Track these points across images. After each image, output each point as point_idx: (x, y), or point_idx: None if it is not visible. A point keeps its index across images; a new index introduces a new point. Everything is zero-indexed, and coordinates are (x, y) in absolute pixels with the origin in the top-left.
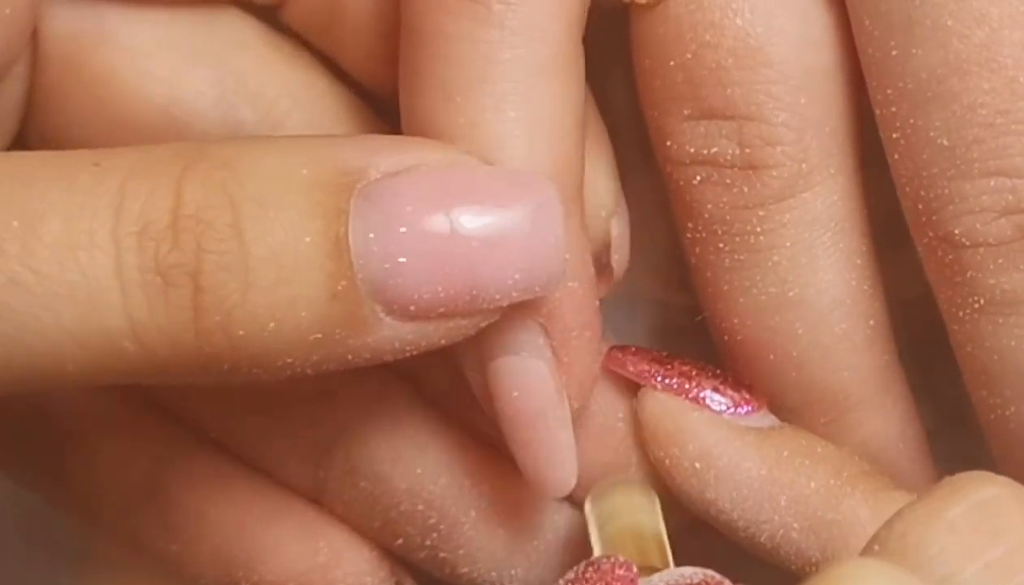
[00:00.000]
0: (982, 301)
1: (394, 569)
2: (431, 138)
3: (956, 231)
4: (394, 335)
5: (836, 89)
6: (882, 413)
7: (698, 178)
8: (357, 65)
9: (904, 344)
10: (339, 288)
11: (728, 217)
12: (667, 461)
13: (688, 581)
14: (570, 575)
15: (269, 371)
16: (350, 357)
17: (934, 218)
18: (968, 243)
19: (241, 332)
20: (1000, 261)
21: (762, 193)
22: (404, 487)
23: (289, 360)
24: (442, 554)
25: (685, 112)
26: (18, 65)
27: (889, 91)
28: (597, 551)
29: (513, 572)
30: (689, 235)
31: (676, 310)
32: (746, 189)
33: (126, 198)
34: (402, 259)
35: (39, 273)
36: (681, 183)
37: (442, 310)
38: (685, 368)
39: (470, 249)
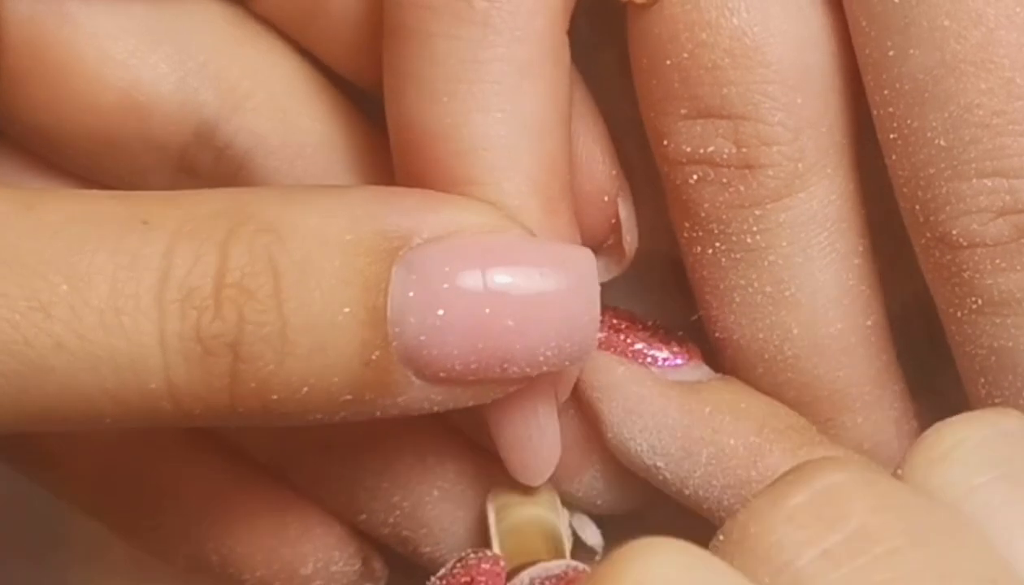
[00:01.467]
0: (980, 301)
1: (362, 546)
2: (419, 138)
3: (953, 231)
4: (423, 396)
5: (832, 89)
6: (878, 412)
7: (694, 177)
8: (333, 55)
9: (903, 343)
10: (373, 357)
11: (724, 216)
12: (596, 415)
13: (552, 573)
14: (442, 571)
15: (296, 424)
16: (378, 413)
17: (931, 218)
18: (965, 243)
19: (275, 397)
20: (998, 261)
21: (758, 192)
22: (370, 464)
23: (319, 416)
24: (405, 532)
25: (682, 111)
26: None
27: (886, 91)
28: (495, 543)
29: None
30: (685, 234)
31: (671, 308)
32: (742, 188)
33: (172, 264)
34: (437, 330)
35: (84, 338)
36: (678, 182)
37: (472, 379)
38: (616, 320)
39: (505, 327)
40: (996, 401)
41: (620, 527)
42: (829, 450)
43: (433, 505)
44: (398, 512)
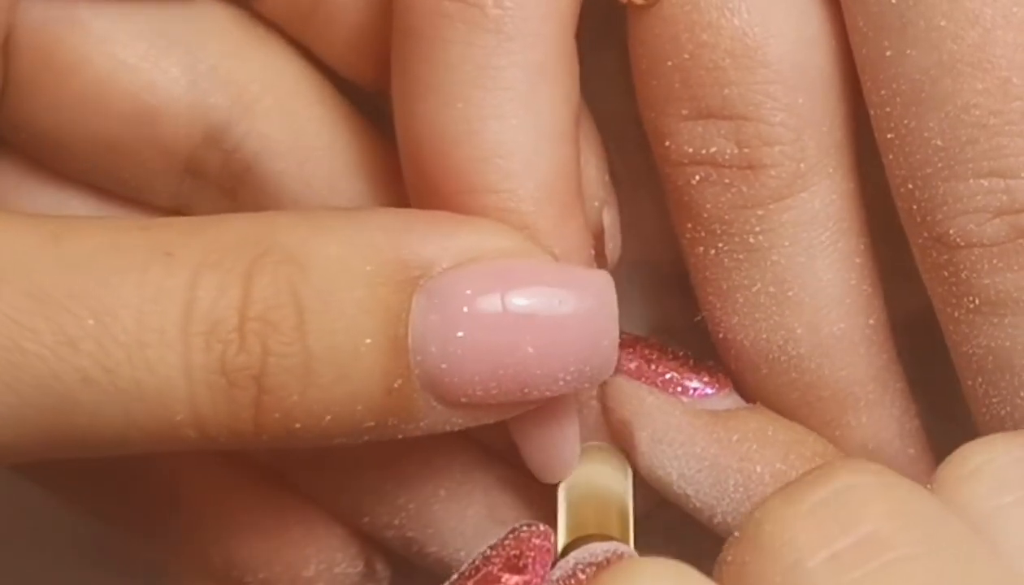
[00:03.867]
0: (977, 301)
1: (365, 547)
2: (433, 145)
3: (951, 231)
4: (445, 419)
5: (834, 88)
6: (881, 411)
7: (696, 178)
8: (338, 59)
9: (903, 342)
10: (395, 385)
11: (726, 217)
12: (627, 443)
13: (596, 559)
14: (492, 540)
15: (320, 445)
16: (400, 435)
17: (928, 218)
18: (963, 243)
19: (298, 425)
20: (995, 261)
21: (760, 193)
22: (373, 466)
23: (342, 440)
24: (411, 533)
25: (683, 112)
26: None
27: (883, 92)
28: (562, 513)
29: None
30: (688, 235)
31: (674, 310)
32: (744, 189)
33: (196, 296)
34: (458, 358)
35: (112, 372)
36: (679, 183)
37: (493, 403)
38: (647, 351)
39: (526, 353)
40: (993, 401)
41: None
42: None
43: (440, 505)
44: (404, 513)
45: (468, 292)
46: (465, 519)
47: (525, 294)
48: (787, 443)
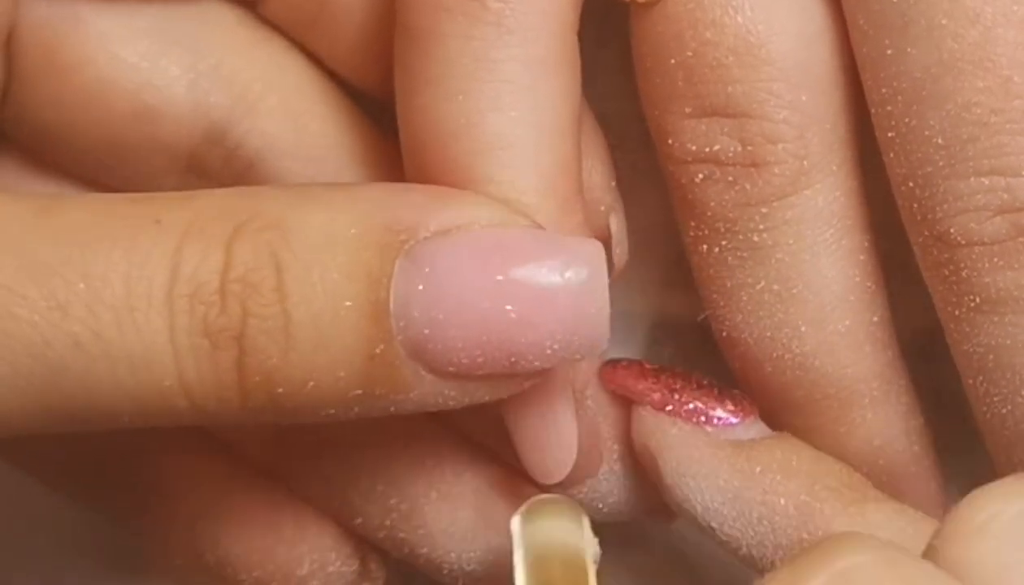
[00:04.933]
0: (978, 300)
1: (359, 546)
2: (434, 138)
3: (951, 230)
4: (436, 391)
5: (837, 86)
6: (886, 408)
7: (700, 176)
8: (342, 64)
9: (904, 340)
10: (377, 351)
11: (730, 215)
12: (652, 475)
13: None
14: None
15: (312, 419)
16: (393, 409)
17: (929, 217)
18: (963, 242)
19: (280, 390)
20: (995, 260)
21: (764, 190)
22: (365, 466)
23: (331, 411)
24: (402, 534)
25: (686, 110)
26: None
27: (884, 90)
28: (519, 569)
29: (472, 554)
30: (692, 233)
31: (678, 309)
32: (748, 187)
33: (181, 260)
34: (442, 324)
35: (101, 337)
36: (683, 181)
37: (481, 373)
38: (671, 381)
39: (510, 320)
40: (994, 399)
41: (616, 535)
42: (882, 506)
43: (431, 507)
44: (395, 514)
45: (452, 257)
46: (456, 521)
47: (510, 260)
48: (812, 474)
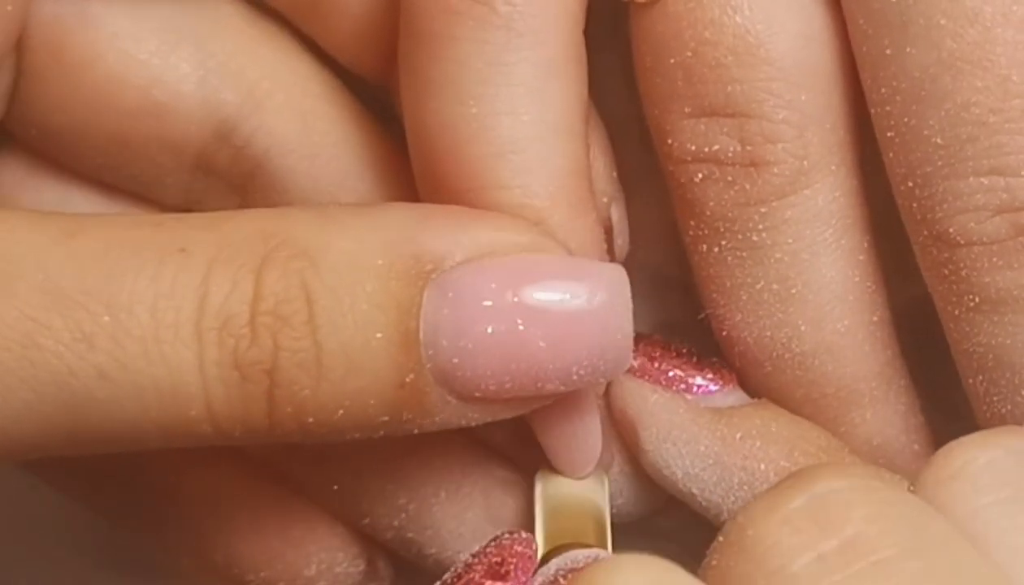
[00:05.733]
0: (977, 299)
1: (367, 547)
2: (445, 142)
3: (950, 229)
4: (460, 413)
5: (836, 85)
6: (886, 407)
7: (699, 176)
8: (342, 50)
9: (905, 339)
10: (407, 380)
11: (730, 214)
12: (631, 441)
13: (575, 564)
14: (475, 548)
15: (337, 441)
16: (416, 430)
17: (928, 216)
18: (963, 241)
19: (311, 419)
20: (995, 259)
21: (764, 190)
22: (374, 467)
23: (357, 435)
24: (410, 534)
25: (686, 110)
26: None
27: (883, 90)
28: (539, 524)
29: None
30: (691, 233)
31: (677, 308)
32: (748, 186)
33: (209, 292)
34: (471, 353)
35: (127, 368)
36: (683, 181)
37: (508, 397)
38: (650, 348)
39: (538, 347)
40: (994, 399)
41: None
42: (859, 469)
43: (440, 507)
44: (403, 515)
45: (480, 286)
46: (464, 521)
47: (538, 288)
48: (791, 439)
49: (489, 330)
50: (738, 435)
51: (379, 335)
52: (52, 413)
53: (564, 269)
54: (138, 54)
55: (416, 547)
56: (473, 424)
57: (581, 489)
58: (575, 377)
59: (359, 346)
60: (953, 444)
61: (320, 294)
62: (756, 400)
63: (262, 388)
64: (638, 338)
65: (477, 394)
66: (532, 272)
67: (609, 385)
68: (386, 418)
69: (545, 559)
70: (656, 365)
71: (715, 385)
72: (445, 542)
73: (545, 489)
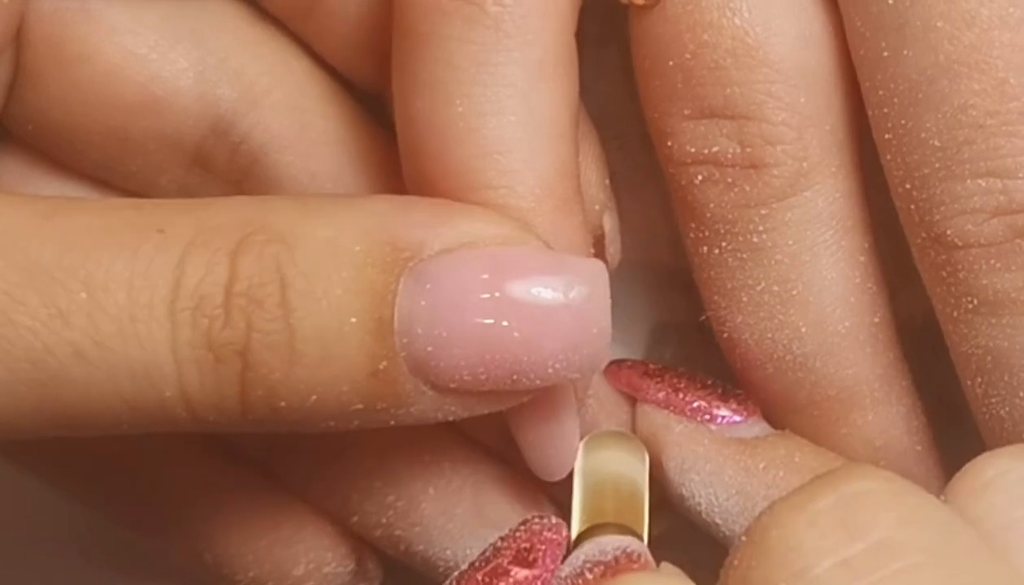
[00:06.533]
0: (975, 301)
1: (356, 546)
2: (432, 142)
3: (948, 232)
4: (437, 406)
5: (835, 87)
6: (888, 408)
7: (699, 178)
8: (337, 55)
9: (905, 340)
10: (380, 367)
11: (730, 216)
12: (656, 471)
13: (603, 556)
14: (506, 531)
15: (311, 430)
16: (393, 422)
17: (926, 219)
18: (960, 244)
19: (283, 403)
20: (992, 262)
21: (764, 192)
22: (362, 463)
23: (332, 423)
24: (398, 531)
25: (685, 112)
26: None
27: (881, 92)
28: (577, 496)
29: (468, 551)
30: (692, 235)
31: (679, 310)
32: (748, 188)
33: (184, 273)
34: (445, 342)
35: (102, 346)
36: (683, 183)
37: (484, 389)
38: (675, 380)
39: (513, 339)
40: (992, 400)
41: None
42: None
43: (428, 504)
44: (392, 512)
45: (457, 276)
46: (453, 518)
47: (515, 281)
48: (815, 469)
49: (465, 320)
50: (762, 465)
51: (353, 320)
52: (27, 392)
53: (542, 262)
54: (137, 49)
55: (405, 544)
56: (451, 418)
57: (621, 466)
58: (550, 370)
59: (332, 331)
60: (985, 455)
61: (294, 278)
62: (779, 431)
63: (235, 369)
64: (663, 370)
65: (452, 385)
66: (510, 264)
67: (635, 415)
68: (360, 406)
69: (580, 537)
70: (681, 396)
71: (739, 416)
72: (433, 539)
73: (586, 463)
